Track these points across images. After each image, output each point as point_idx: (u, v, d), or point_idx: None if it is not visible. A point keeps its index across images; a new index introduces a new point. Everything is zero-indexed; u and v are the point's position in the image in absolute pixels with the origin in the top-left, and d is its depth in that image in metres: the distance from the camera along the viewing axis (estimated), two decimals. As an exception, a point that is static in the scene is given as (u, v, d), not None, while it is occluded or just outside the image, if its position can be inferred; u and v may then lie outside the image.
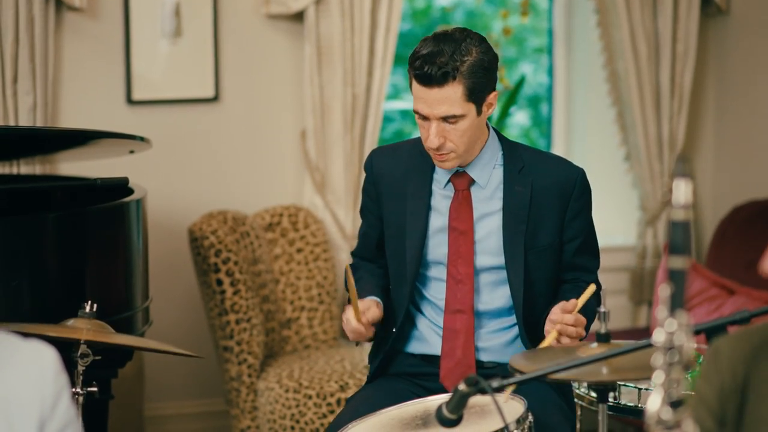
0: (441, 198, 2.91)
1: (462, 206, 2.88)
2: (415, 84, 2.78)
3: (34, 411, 1.77)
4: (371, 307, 2.86)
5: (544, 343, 2.70)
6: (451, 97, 2.74)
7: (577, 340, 2.74)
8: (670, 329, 1.52)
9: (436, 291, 2.93)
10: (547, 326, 2.75)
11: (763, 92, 5.00)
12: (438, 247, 2.90)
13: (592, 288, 2.73)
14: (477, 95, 2.77)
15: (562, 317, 2.70)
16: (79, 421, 1.86)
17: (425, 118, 2.79)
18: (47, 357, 1.81)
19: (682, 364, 1.52)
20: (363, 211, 3.08)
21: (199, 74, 4.66)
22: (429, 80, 2.74)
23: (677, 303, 1.52)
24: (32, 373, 1.79)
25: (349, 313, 2.83)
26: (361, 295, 2.92)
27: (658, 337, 1.53)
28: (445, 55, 2.73)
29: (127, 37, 4.56)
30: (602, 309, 2.52)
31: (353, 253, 3.15)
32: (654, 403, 1.53)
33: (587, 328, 2.86)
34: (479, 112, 2.79)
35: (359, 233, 3.12)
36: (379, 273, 3.06)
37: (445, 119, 2.77)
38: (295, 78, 4.77)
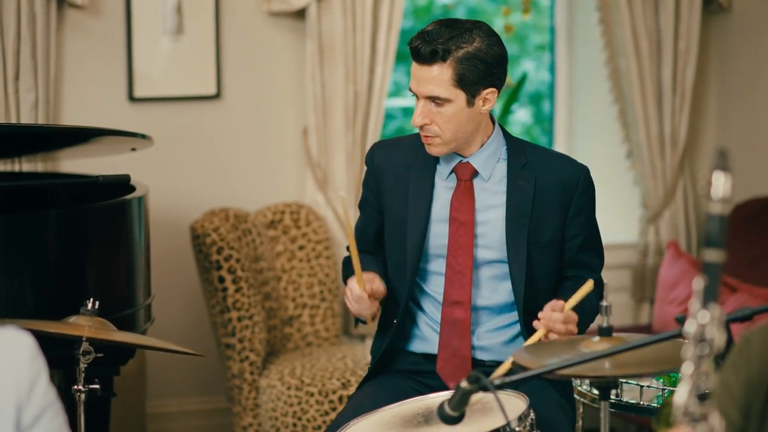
0: (443, 189, 2.92)
1: (464, 196, 2.89)
2: (412, 61, 2.81)
3: (10, 396, 1.77)
4: (375, 279, 2.85)
5: (530, 341, 2.71)
6: (437, 78, 2.75)
7: (565, 338, 2.73)
8: (702, 321, 1.51)
9: (436, 285, 2.93)
10: (535, 323, 2.75)
11: (765, 89, 5.00)
12: (439, 238, 2.90)
13: (588, 285, 2.72)
14: (468, 85, 2.76)
15: (550, 315, 2.70)
16: (60, 404, 1.85)
17: (416, 96, 2.81)
18: (21, 343, 1.80)
19: (711, 356, 1.51)
20: (362, 204, 3.08)
21: (200, 71, 4.66)
22: (417, 56, 2.77)
23: (710, 296, 1.51)
24: (6, 359, 1.79)
25: (352, 282, 2.83)
26: (364, 269, 2.91)
27: (690, 328, 1.52)
28: (442, 37, 2.74)
29: (128, 35, 4.56)
30: (604, 303, 2.52)
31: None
32: (682, 395, 1.52)
33: (587, 325, 2.85)
34: (470, 103, 2.79)
35: (357, 226, 3.12)
36: (377, 261, 3.06)
37: (432, 100, 2.78)
38: (297, 75, 4.77)
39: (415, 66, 2.80)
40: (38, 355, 1.82)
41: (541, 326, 2.71)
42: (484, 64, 2.76)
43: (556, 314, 2.70)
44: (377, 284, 2.85)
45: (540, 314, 2.73)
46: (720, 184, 1.50)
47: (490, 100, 2.81)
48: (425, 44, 2.75)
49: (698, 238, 5.20)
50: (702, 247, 1.55)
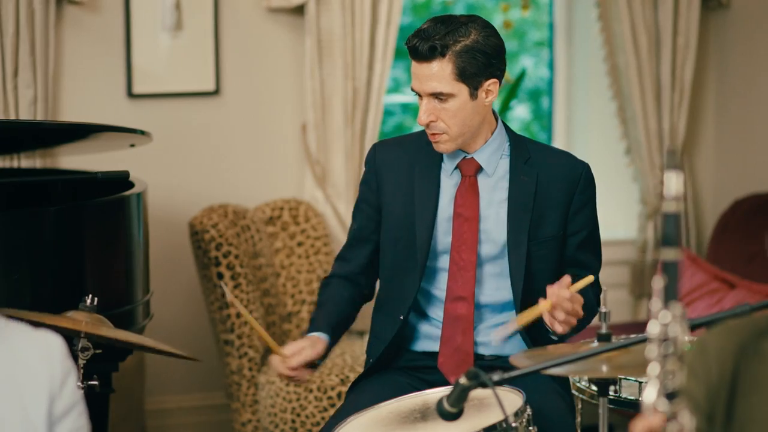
0: (448, 186, 2.92)
1: (468, 192, 2.89)
2: (411, 60, 2.81)
3: (44, 387, 1.94)
4: (303, 350, 2.83)
5: (536, 310, 2.66)
6: (438, 74, 2.76)
7: (573, 320, 2.71)
8: (664, 321, 1.52)
9: (440, 282, 2.93)
10: (541, 300, 2.70)
11: (764, 86, 5.00)
12: (445, 235, 2.91)
13: (589, 278, 2.72)
14: (469, 77, 2.77)
15: (558, 291, 2.67)
16: (85, 407, 2.02)
17: (420, 95, 2.81)
18: (55, 342, 1.99)
19: (676, 355, 1.52)
20: (359, 205, 3.05)
21: (199, 68, 4.66)
22: (416, 54, 2.77)
23: (671, 294, 1.52)
24: (43, 355, 1.96)
25: (274, 359, 2.82)
26: (312, 329, 2.92)
27: (653, 329, 1.53)
28: (438, 33, 2.75)
29: (127, 31, 4.55)
30: (603, 309, 2.51)
31: (336, 257, 3.10)
32: (650, 395, 1.53)
33: (584, 323, 2.85)
34: (473, 95, 2.79)
35: (350, 231, 3.08)
36: (346, 297, 3.02)
37: (436, 96, 2.78)
38: (296, 71, 4.77)
39: (415, 65, 2.80)
40: (69, 355, 2.00)
41: (547, 300, 2.66)
42: (483, 56, 2.77)
43: (564, 290, 2.67)
44: (304, 355, 2.82)
45: (548, 290, 2.69)
46: (672, 183, 1.51)
47: (492, 91, 2.82)
48: (423, 42, 2.75)
49: (696, 234, 5.20)
50: (660, 246, 1.55)
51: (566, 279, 2.70)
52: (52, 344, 1.97)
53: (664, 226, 1.53)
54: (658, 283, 1.52)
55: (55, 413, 1.94)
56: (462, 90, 2.78)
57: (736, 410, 1.74)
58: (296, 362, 2.81)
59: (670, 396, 1.52)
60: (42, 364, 1.95)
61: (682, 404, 1.53)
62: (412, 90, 2.83)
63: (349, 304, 3.03)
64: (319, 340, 2.89)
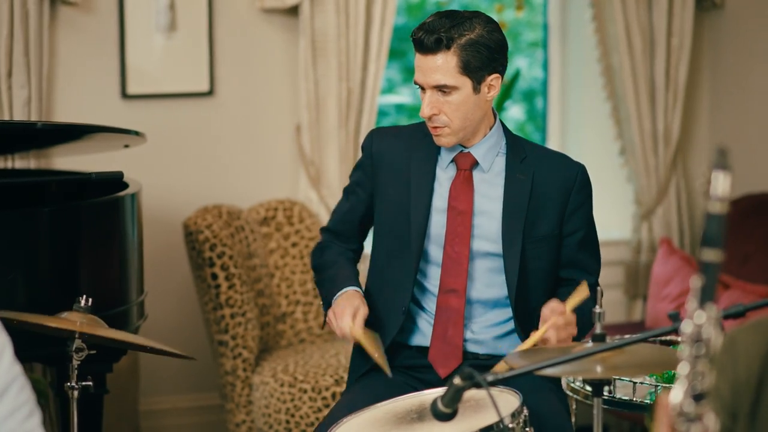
0: (444, 180, 2.92)
1: (463, 185, 2.89)
2: (415, 53, 2.82)
3: None
4: (359, 309, 2.85)
5: (531, 339, 2.69)
6: (443, 66, 2.77)
7: (569, 339, 2.73)
8: (698, 321, 1.50)
9: (433, 277, 2.93)
10: (533, 334, 2.74)
11: (758, 86, 5.01)
12: (438, 227, 2.91)
13: (584, 290, 2.72)
14: (473, 71, 2.78)
15: (554, 321, 2.70)
16: (26, 380, 1.88)
17: (423, 88, 2.82)
18: None
19: (708, 356, 1.50)
20: (352, 188, 3.05)
21: (193, 68, 4.65)
22: (421, 47, 2.79)
23: (708, 296, 1.50)
24: None
25: (347, 328, 2.83)
26: (343, 284, 2.93)
27: (686, 328, 1.51)
28: (443, 27, 2.77)
29: (121, 31, 4.55)
30: (598, 309, 2.52)
31: (325, 229, 3.13)
32: (677, 395, 1.51)
33: (585, 332, 2.85)
34: (476, 89, 2.81)
35: (340, 209, 3.09)
36: (350, 257, 3.08)
37: (439, 89, 2.79)
38: (290, 72, 4.77)
39: (419, 57, 2.81)
40: (1, 331, 1.86)
41: (543, 329, 2.69)
42: (487, 50, 2.79)
43: (559, 318, 2.69)
44: (362, 313, 2.84)
45: (542, 319, 2.72)
46: (719, 183, 1.49)
47: (495, 86, 2.84)
48: (428, 34, 2.77)
49: (691, 235, 5.21)
50: (700, 246, 1.53)
51: (560, 307, 2.72)
52: None
53: (706, 226, 1.50)
54: (695, 282, 1.50)
55: None
56: (465, 83, 2.79)
57: (761, 409, 1.72)
58: (360, 321, 2.82)
59: (698, 397, 1.50)
60: None
61: (709, 405, 1.51)
62: (416, 83, 2.84)
63: (354, 262, 3.09)
64: (359, 293, 2.91)
